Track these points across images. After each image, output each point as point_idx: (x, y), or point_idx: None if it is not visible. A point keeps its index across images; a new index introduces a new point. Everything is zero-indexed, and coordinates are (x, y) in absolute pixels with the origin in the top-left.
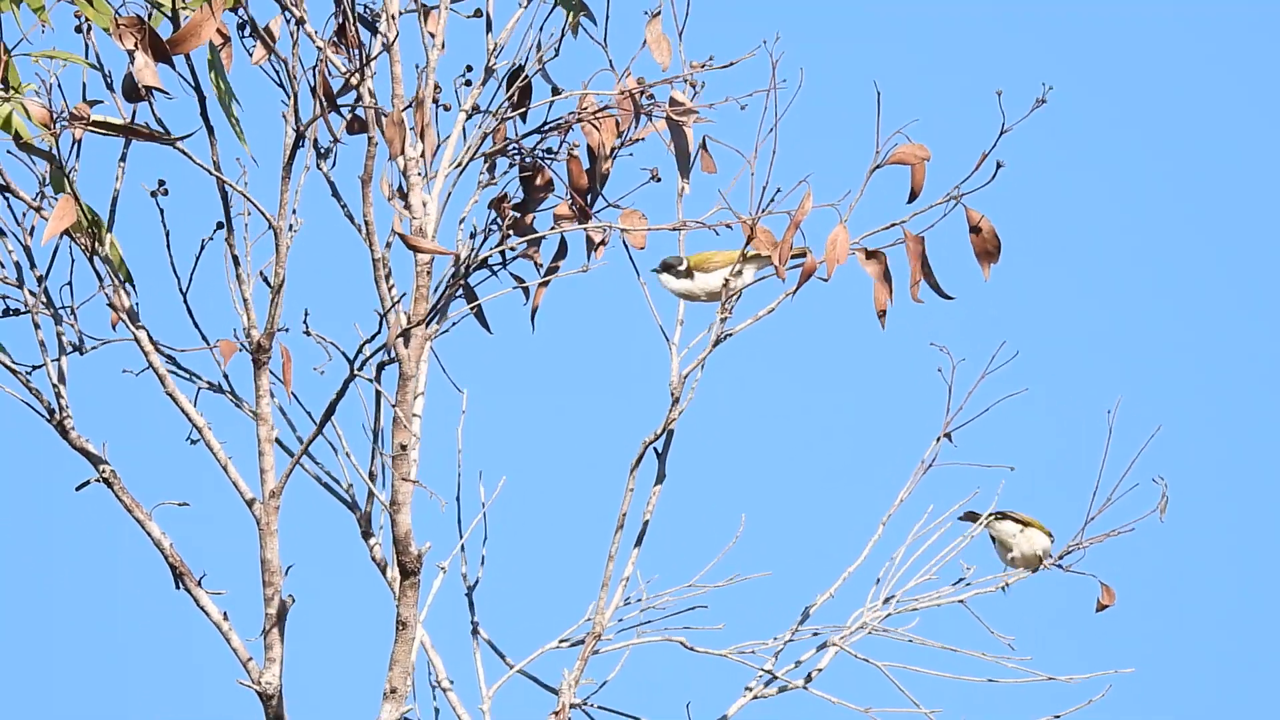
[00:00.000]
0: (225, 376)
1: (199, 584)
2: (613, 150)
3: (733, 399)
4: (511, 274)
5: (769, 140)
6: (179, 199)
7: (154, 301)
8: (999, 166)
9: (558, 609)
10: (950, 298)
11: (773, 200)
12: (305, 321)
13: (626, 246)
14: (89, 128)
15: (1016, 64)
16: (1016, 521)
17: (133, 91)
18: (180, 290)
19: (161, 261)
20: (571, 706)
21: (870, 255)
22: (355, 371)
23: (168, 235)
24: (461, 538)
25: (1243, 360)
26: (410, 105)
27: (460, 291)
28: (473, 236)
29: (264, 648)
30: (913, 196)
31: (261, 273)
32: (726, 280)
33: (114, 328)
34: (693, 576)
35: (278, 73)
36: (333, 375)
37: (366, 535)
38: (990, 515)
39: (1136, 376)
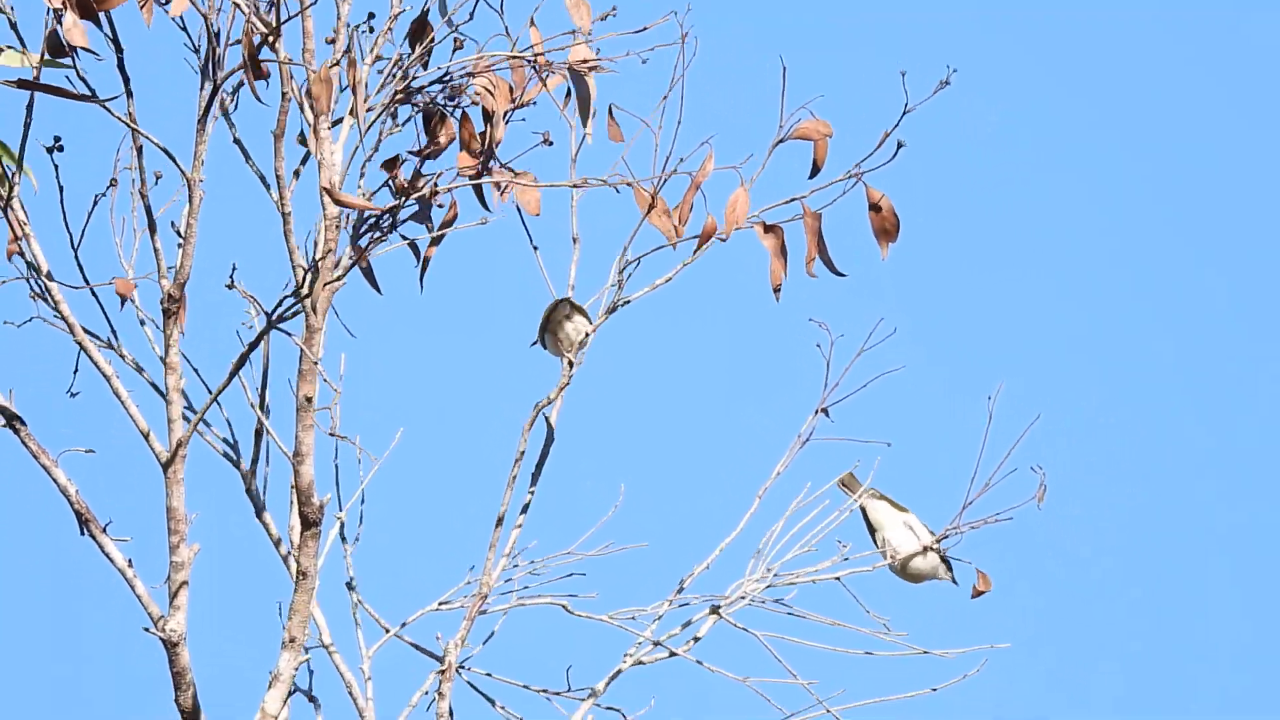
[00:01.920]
0: (114, 332)
1: (104, 530)
2: (506, 114)
3: (624, 365)
4: (402, 235)
5: (674, 110)
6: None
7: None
8: (900, 145)
9: (434, 570)
10: (843, 275)
11: (674, 171)
12: (232, 276)
13: (520, 212)
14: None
15: (932, 40)
16: (893, 505)
17: (58, 50)
18: (71, 245)
19: (55, 217)
20: (457, 669)
21: (768, 229)
22: (273, 323)
23: (61, 191)
24: (341, 509)
25: (1125, 350)
26: (337, 63)
27: (369, 244)
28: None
29: (168, 595)
30: (814, 172)
31: (173, 223)
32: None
33: (9, 257)
34: (571, 544)
35: (186, 29)
36: (227, 334)
37: (260, 512)
38: (868, 489)
39: (1020, 361)
